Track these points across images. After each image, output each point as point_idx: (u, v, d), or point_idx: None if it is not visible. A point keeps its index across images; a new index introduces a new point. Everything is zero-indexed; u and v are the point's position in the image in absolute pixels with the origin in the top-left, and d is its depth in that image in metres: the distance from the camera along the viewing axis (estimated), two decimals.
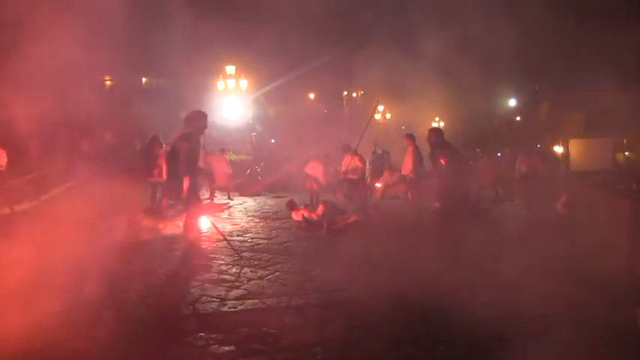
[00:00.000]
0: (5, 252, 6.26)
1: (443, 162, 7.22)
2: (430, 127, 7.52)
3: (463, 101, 29.86)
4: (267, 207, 13.09)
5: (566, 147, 26.39)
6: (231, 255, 7.25)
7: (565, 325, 4.50)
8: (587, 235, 8.55)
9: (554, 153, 24.16)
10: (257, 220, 10.73)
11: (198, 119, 7.14)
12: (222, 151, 15.33)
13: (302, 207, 9.99)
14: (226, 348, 4.03)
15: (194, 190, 7.08)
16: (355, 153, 11.64)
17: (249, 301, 5.22)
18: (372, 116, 8.54)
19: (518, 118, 35.91)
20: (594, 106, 25.53)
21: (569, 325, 4.50)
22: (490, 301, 5.12)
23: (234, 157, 19.62)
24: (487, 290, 5.57)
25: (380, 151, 18.35)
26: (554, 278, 6.10)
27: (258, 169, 18.63)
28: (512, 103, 35.88)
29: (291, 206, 10.13)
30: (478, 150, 24.88)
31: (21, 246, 6.62)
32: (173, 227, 9.64)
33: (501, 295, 5.38)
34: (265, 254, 7.31)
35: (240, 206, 13.27)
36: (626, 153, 26.36)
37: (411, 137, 10.59)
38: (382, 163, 16.50)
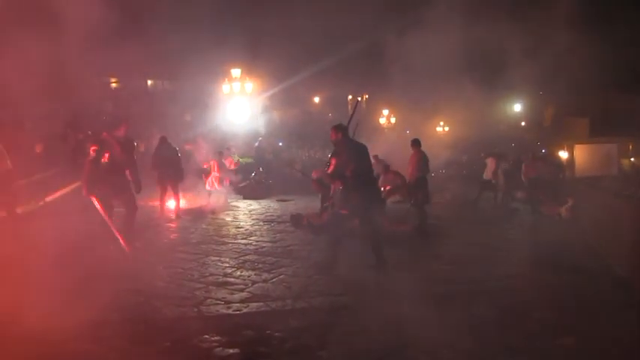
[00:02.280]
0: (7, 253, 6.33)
1: (332, 163, 6.58)
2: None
3: (468, 106, 29.78)
4: (271, 210, 13.10)
5: (570, 152, 26.30)
6: (235, 258, 7.27)
7: (573, 328, 4.51)
8: (592, 238, 8.55)
9: (558, 158, 24.08)
10: (261, 223, 10.75)
11: (116, 125, 7.35)
12: (220, 154, 15.13)
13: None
14: (230, 350, 4.04)
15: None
16: None
17: (253, 303, 5.24)
18: (352, 115, 7.84)
19: (523, 123, 35.76)
20: (599, 111, 25.47)
21: (577, 328, 4.51)
22: (494, 304, 5.13)
23: (239, 159, 19.57)
24: (491, 293, 5.58)
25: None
26: (559, 281, 6.11)
27: (263, 173, 18.60)
28: (517, 108, 35.73)
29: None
30: (483, 154, 24.74)
31: (22, 248, 6.71)
32: (180, 229, 9.68)
33: (506, 298, 5.39)
34: (270, 257, 7.32)
35: (244, 209, 13.28)
36: (632, 159, 26.24)
37: (414, 143, 10.57)
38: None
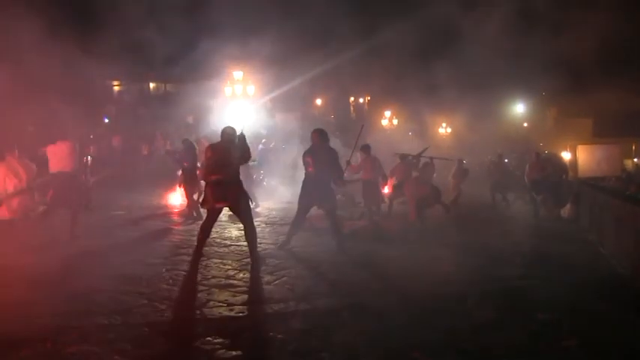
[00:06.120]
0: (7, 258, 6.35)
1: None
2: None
3: (470, 107, 29.78)
4: (274, 212, 13.08)
5: (573, 153, 26.24)
6: (238, 260, 7.28)
7: (576, 329, 4.50)
8: (595, 239, 8.54)
9: (561, 159, 24.02)
10: (264, 225, 10.72)
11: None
12: None
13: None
14: (233, 353, 4.04)
15: None
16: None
17: (256, 306, 5.23)
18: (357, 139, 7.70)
19: (525, 124, 35.71)
20: (602, 111, 25.47)
21: (580, 329, 4.50)
22: (496, 306, 5.12)
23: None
24: (493, 294, 5.57)
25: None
26: (562, 282, 6.10)
27: (262, 175, 18.51)
28: (520, 108, 35.67)
29: None
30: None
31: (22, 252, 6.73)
32: (182, 231, 9.68)
33: (508, 299, 5.39)
34: (272, 259, 7.32)
35: None
36: (635, 159, 26.20)
37: (403, 156, 10.44)
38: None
